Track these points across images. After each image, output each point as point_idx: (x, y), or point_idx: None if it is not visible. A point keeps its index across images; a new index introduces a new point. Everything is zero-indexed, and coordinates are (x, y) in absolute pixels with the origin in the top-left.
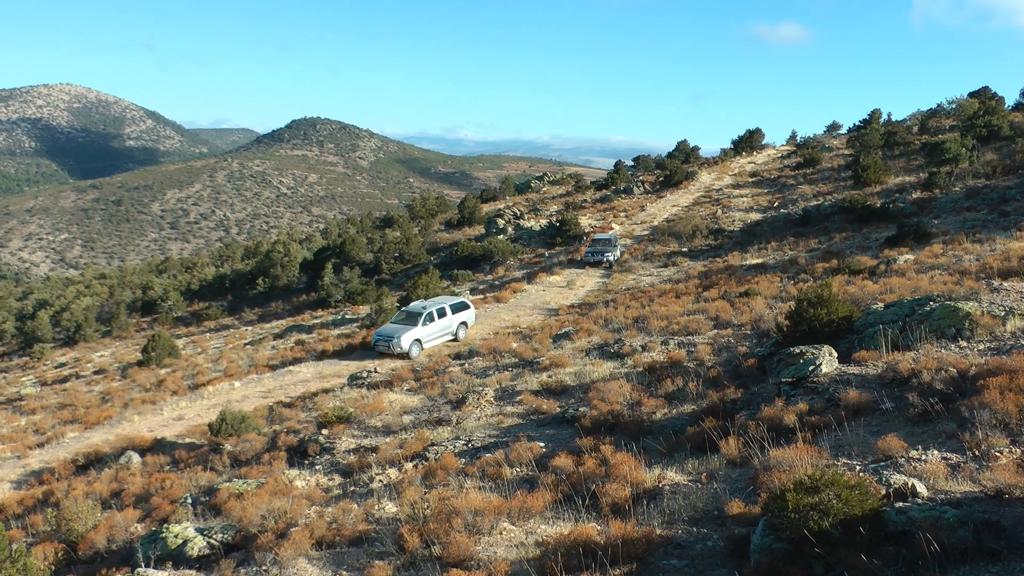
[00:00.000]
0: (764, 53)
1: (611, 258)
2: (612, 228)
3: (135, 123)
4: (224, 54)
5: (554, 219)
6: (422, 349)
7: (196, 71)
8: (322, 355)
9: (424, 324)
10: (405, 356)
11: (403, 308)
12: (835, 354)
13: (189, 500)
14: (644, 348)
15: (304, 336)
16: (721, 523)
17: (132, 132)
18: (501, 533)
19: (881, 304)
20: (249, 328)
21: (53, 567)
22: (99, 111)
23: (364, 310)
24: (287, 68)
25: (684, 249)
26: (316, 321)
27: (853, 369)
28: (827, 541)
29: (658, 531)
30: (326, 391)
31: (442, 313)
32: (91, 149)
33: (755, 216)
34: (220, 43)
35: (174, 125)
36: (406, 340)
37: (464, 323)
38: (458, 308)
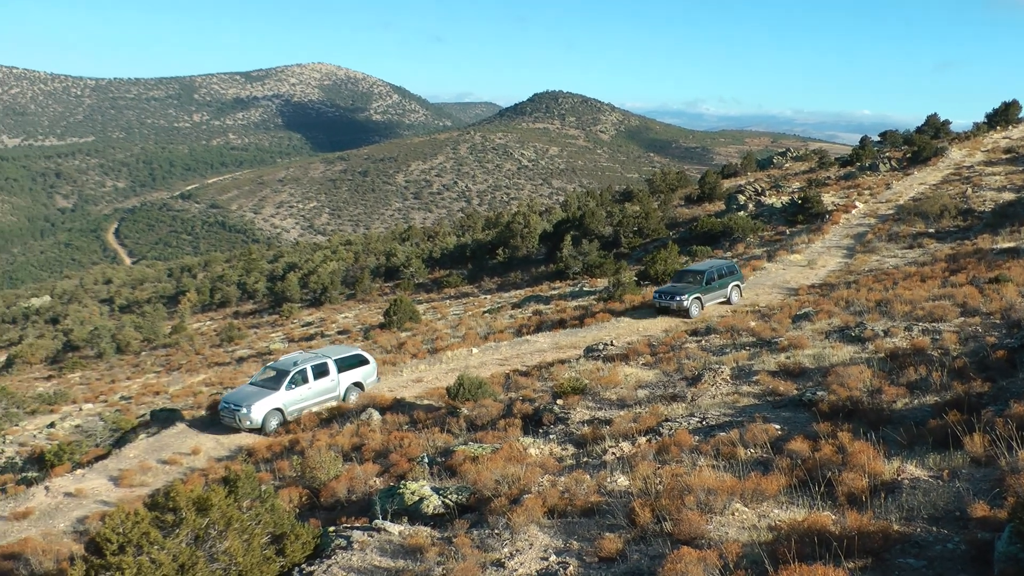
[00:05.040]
0: (1017, 15)
1: (689, 304)
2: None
3: (382, 98)
4: (462, 30)
5: (796, 196)
6: (284, 421)
7: (436, 48)
8: (559, 326)
9: (290, 388)
10: (258, 431)
11: (272, 364)
12: None
13: (426, 460)
14: (886, 333)
15: (542, 306)
16: (963, 525)
17: (379, 107)
18: (733, 514)
19: None
20: (488, 296)
21: (297, 510)
22: (348, 87)
23: (602, 283)
24: (523, 42)
25: (930, 230)
26: (554, 292)
27: None
28: None
29: (895, 527)
30: (562, 361)
31: (321, 372)
32: (339, 123)
33: (1008, 196)
34: (456, 20)
35: (419, 99)
36: (259, 411)
37: (358, 384)
38: (348, 364)
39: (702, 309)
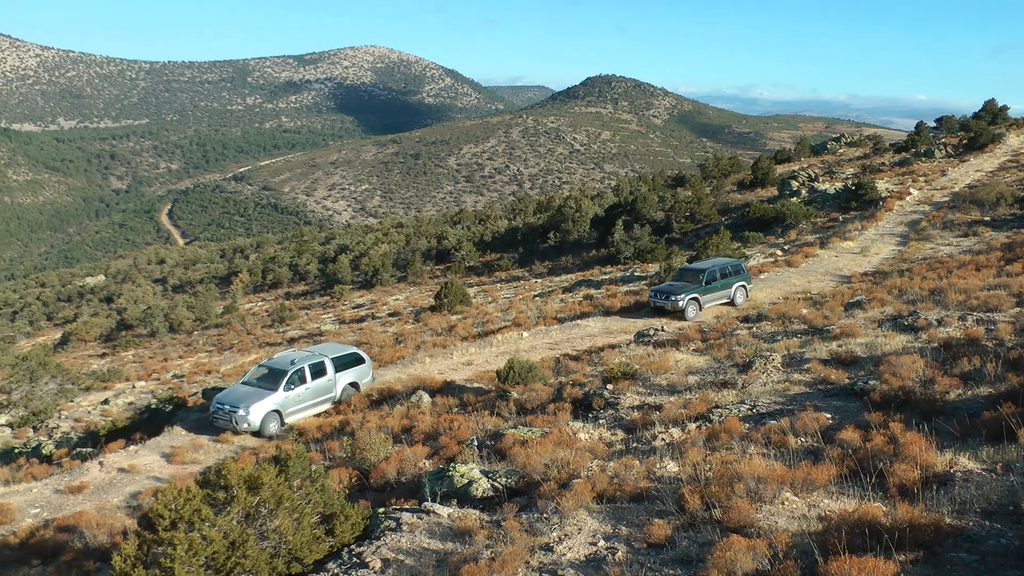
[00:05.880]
0: None
1: (685, 305)
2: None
3: (434, 81)
4: (514, 14)
5: (849, 182)
6: (283, 424)
7: (489, 31)
8: (610, 311)
9: (288, 388)
10: (257, 434)
11: (265, 363)
12: None
13: (475, 442)
14: (940, 322)
15: (592, 291)
16: (1017, 520)
17: (431, 90)
18: (783, 503)
19: None
20: (539, 280)
21: (347, 491)
22: (400, 70)
23: (653, 268)
24: (577, 26)
25: (986, 218)
26: (605, 277)
27: None
28: None
29: (947, 520)
30: (612, 347)
31: (318, 371)
32: (391, 106)
33: None
34: (509, 3)
35: (471, 83)
36: (257, 412)
37: (353, 384)
38: (345, 363)
39: (700, 310)
